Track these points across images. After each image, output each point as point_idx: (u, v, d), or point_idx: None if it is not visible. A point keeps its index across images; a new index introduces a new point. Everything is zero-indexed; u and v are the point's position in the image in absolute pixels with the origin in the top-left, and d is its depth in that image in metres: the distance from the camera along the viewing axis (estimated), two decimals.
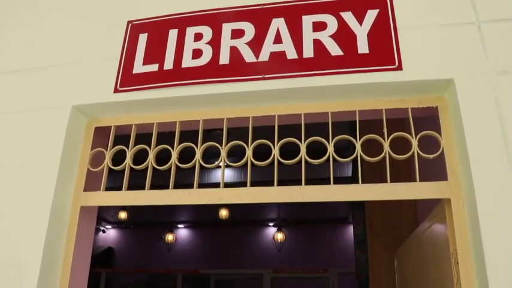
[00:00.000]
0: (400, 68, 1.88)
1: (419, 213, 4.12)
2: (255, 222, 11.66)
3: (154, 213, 10.73)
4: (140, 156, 2.18)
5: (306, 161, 1.97)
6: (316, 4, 2.07)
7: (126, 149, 2.19)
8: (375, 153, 1.93)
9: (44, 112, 2.23)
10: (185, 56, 2.12)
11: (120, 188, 2.12)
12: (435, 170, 1.95)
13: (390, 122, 1.98)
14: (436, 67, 1.86)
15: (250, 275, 11.06)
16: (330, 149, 1.95)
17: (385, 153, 1.91)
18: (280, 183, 1.96)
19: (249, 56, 2.04)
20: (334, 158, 1.96)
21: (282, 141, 2.02)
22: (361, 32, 1.98)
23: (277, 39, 2.04)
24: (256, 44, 2.06)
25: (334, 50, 1.97)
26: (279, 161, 2.00)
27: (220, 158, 2.08)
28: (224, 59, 2.06)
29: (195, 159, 2.08)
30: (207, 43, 2.12)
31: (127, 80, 2.16)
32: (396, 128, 1.97)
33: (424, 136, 1.92)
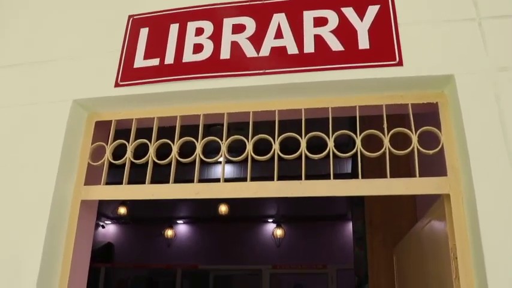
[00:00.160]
0: (400, 63, 1.88)
1: (418, 209, 4.13)
2: (255, 218, 11.67)
3: (153, 208, 10.73)
4: (141, 152, 2.18)
5: (306, 157, 1.98)
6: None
7: (126, 143, 2.19)
8: (375, 149, 1.94)
9: (44, 106, 2.23)
10: (186, 50, 2.12)
11: (120, 184, 2.13)
12: (435, 166, 1.96)
13: (390, 118, 1.99)
14: (437, 63, 1.87)
15: (250, 271, 11.08)
16: (330, 144, 1.96)
17: (385, 149, 1.91)
18: (280, 180, 1.96)
19: (249, 51, 2.04)
20: (334, 154, 1.96)
21: (282, 136, 2.02)
22: (362, 27, 1.98)
23: (278, 34, 2.04)
24: (257, 39, 2.06)
25: (335, 45, 1.97)
26: (279, 156, 2.01)
27: (220, 153, 2.08)
28: (225, 53, 2.07)
29: (195, 153, 2.09)
30: (208, 38, 2.12)
31: (128, 74, 2.16)
32: (396, 124, 1.98)
33: (424, 132, 1.93)
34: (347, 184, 1.90)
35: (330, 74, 1.93)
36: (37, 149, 2.15)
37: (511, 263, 1.56)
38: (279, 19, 2.07)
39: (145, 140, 2.17)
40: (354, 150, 1.95)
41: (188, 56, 2.11)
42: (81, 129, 2.27)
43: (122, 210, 10.93)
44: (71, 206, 2.15)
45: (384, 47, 1.92)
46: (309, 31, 2.02)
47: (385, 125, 1.94)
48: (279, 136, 2.03)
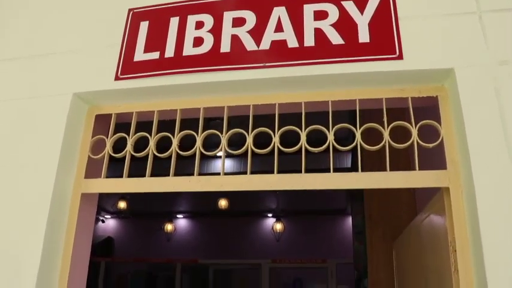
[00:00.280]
0: (400, 57, 1.88)
1: (418, 204, 4.14)
2: (254, 213, 11.69)
3: (153, 203, 10.76)
4: (141, 145, 2.19)
5: (306, 150, 1.98)
6: None
7: (126, 137, 2.19)
8: (375, 143, 1.94)
9: (45, 99, 2.23)
10: (186, 44, 2.12)
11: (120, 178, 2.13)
12: (434, 160, 1.96)
13: (390, 112, 1.99)
14: (437, 57, 1.87)
15: (249, 265, 11.11)
16: (330, 137, 1.96)
17: (385, 142, 1.92)
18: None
19: (250, 44, 2.04)
20: (334, 147, 1.97)
21: (283, 129, 2.03)
22: (362, 21, 1.98)
23: (278, 28, 2.04)
24: (257, 33, 2.06)
25: (335, 39, 1.97)
26: (279, 150, 2.01)
27: (220, 146, 2.08)
28: (225, 47, 2.07)
29: (195, 146, 2.09)
30: (208, 31, 2.12)
31: (128, 67, 2.16)
32: (396, 117, 1.98)
33: (423, 126, 1.93)
34: (347, 177, 1.90)
35: (330, 67, 1.93)
36: (37, 143, 2.15)
37: (509, 255, 1.56)
38: (279, 12, 2.07)
39: (145, 133, 2.17)
40: (354, 144, 1.95)
41: (188, 50, 2.11)
42: (82, 122, 2.27)
43: (122, 204, 10.95)
44: (71, 199, 2.16)
45: (384, 40, 1.92)
46: (309, 24, 2.02)
47: (385, 119, 1.94)
48: (279, 129, 2.03)
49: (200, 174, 2.05)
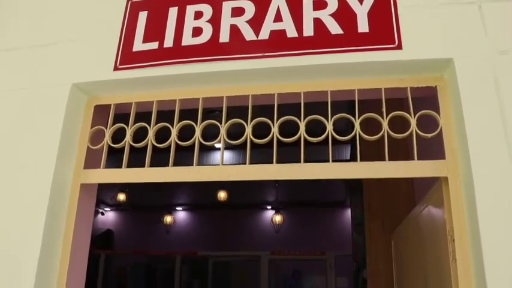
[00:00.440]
0: (399, 47, 1.88)
1: (416, 194, 4.15)
2: (254, 205, 11.72)
3: (152, 195, 10.77)
4: (140, 137, 2.18)
5: (305, 140, 1.98)
6: None
7: (126, 127, 2.19)
8: (374, 134, 1.94)
9: (43, 90, 2.23)
10: (185, 34, 2.12)
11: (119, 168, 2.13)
12: (433, 151, 1.97)
13: (389, 102, 1.99)
14: (436, 46, 1.87)
15: (249, 257, 11.16)
16: (329, 127, 1.96)
17: (384, 132, 1.92)
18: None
19: (249, 34, 2.04)
20: (333, 137, 1.97)
21: (282, 119, 2.02)
22: (362, 11, 1.97)
23: (278, 18, 2.04)
24: (256, 22, 2.05)
25: (334, 28, 1.96)
26: (278, 140, 2.01)
27: (219, 136, 2.08)
28: (224, 37, 2.06)
29: (194, 136, 2.09)
30: (207, 21, 2.12)
31: (127, 57, 2.16)
32: (395, 108, 1.98)
33: (422, 116, 1.93)
34: (345, 167, 1.91)
35: (329, 57, 1.93)
36: (36, 133, 2.15)
37: (507, 244, 1.57)
38: (278, 2, 2.06)
39: (144, 124, 2.17)
40: (353, 133, 1.95)
41: (187, 40, 2.10)
42: (81, 113, 2.27)
43: (121, 196, 10.95)
44: (71, 190, 2.16)
45: (383, 30, 1.91)
46: (308, 14, 2.01)
47: (383, 109, 1.94)
48: (278, 119, 2.03)
49: (199, 165, 2.05)
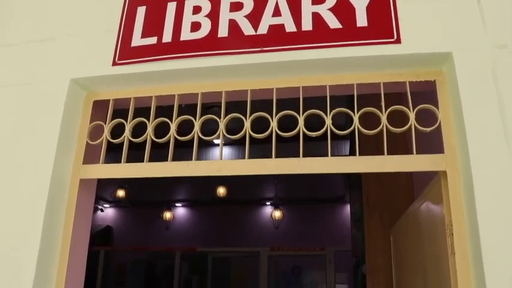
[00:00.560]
0: (398, 41, 1.88)
1: (415, 190, 4.16)
2: (253, 201, 11.72)
3: (152, 192, 10.77)
4: (138, 132, 2.18)
5: (304, 136, 1.98)
6: None
7: (124, 122, 2.19)
8: (373, 129, 1.94)
9: (42, 85, 2.23)
10: (184, 28, 2.11)
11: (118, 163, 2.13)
12: (432, 145, 1.97)
13: (388, 97, 1.99)
14: (435, 40, 1.87)
15: (248, 253, 11.17)
16: (328, 121, 1.96)
17: (383, 126, 1.92)
18: None
19: (247, 29, 2.04)
20: (332, 132, 1.97)
21: (281, 113, 2.02)
22: (360, 5, 1.97)
23: (276, 12, 2.03)
24: (254, 17, 2.05)
25: (333, 23, 1.96)
26: (277, 135, 2.01)
27: (218, 131, 2.08)
28: (223, 31, 2.06)
29: (193, 131, 2.09)
30: (205, 16, 2.11)
31: (125, 53, 2.15)
32: (394, 103, 1.98)
33: (421, 110, 1.93)
34: (344, 161, 1.91)
35: (328, 51, 1.93)
36: (35, 128, 2.15)
37: (505, 238, 1.58)
38: None
39: (143, 119, 2.17)
40: (352, 128, 1.95)
41: (186, 34, 2.10)
42: (79, 108, 2.27)
43: (121, 193, 10.95)
44: (70, 185, 2.16)
45: (382, 24, 1.91)
46: (307, 9, 2.01)
47: (382, 103, 1.94)
48: (276, 114, 2.03)
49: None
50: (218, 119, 2.09)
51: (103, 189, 11.21)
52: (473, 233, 1.66)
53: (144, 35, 2.16)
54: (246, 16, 2.06)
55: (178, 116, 2.15)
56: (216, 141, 8.12)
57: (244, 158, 2.00)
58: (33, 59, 2.30)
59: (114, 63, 2.15)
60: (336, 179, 9.52)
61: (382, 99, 1.96)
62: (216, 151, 8.52)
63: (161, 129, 2.16)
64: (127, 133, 2.16)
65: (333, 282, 10.46)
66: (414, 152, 1.87)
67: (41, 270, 1.97)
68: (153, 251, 11.73)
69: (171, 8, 2.17)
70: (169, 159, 2.07)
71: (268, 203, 11.76)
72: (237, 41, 2.03)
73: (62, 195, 2.12)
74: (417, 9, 1.92)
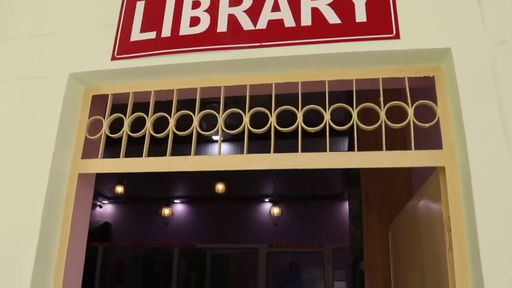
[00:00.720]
0: (397, 36, 1.88)
1: (414, 186, 4.16)
2: (252, 198, 11.73)
3: (150, 188, 10.77)
4: (137, 127, 2.18)
5: (303, 132, 1.98)
6: None
7: (123, 117, 2.19)
8: (371, 125, 1.94)
9: (41, 80, 2.23)
10: (183, 23, 2.11)
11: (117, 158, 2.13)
12: (430, 141, 1.97)
13: (387, 93, 1.99)
14: (434, 36, 1.87)
15: (247, 250, 11.18)
16: (327, 117, 1.96)
17: (381, 122, 1.92)
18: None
19: (246, 24, 2.04)
20: (330, 127, 1.97)
21: (279, 108, 2.02)
22: (359, 0, 1.97)
23: (275, 7, 2.03)
24: (254, 12, 2.05)
25: (332, 18, 1.96)
26: (276, 130, 2.01)
27: (217, 126, 2.08)
28: (222, 26, 2.06)
29: (192, 126, 2.09)
30: (204, 11, 2.11)
31: (124, 47, 2.15)
32: (393, 98, 1.98)
33: (420, 106, 1.93)
34: (343, 157, 1.91)
35: (327, 47, 1.93)
36: (34, 123, 2.15)
37: (503, 233, 1.58)
38: None
39: (142, 114, 2.17)
40: (351, 123, 1.95)
41: (185, 29, 2.10)
42: (78, 103, 2.27)
43: (119, 189, 10.95)
44: (69, 179, 2.16)
45: (381, 20, 1.91)
46: (306, 4, 2.01)
47: (381, 98, 1.95)
48: (275, 109, 2.03)
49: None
50: (217, 114, 2.09)
51: (102, 186, 11.22)
52: (471, 228, 1.66)
53: (143, 29, 2.16)
54: (245, 11, 2.06)
55: (177, 111, 2.15)
56: (215, 138, 8.16)
57: (243, 153, 2.00)
58: (32, 53, 2.30)
59: (113, 58, 2.15)
60: (335, 176, 9.52)
61: (381, 94, 1.96)
62: (215, 148, 8.51)
63: (160, 125, 2.16)
64: (126, 128, 2.16)
65: (331, 279, 10.47)
66: (413, 147, 1.87)
67: (40, 263, 1.98)
68: (152, 247, 11.74)
69: (170, 2, 2.17)
70: (167, 154, 2.07)
71: (267, 200, 11.76)
72: (236, 36, 2.03)
73: (60, 190, 2.12)
74: (416, 5, 1.92)
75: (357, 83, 2.00)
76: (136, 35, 2.16)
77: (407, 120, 1.90)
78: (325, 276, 10.56)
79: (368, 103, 1.97)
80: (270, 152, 1.97)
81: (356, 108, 1.96)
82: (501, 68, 1.77)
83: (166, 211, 11.89)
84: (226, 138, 7.94)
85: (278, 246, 10.96)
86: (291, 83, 2.06)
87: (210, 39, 2.05)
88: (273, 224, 11.23)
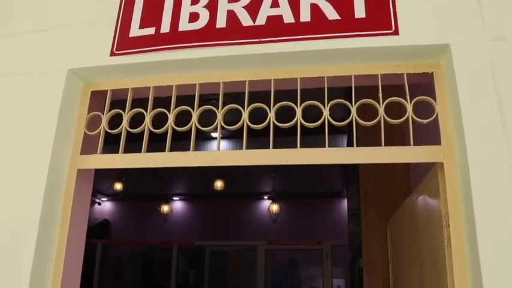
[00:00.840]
0: (396, 32, 1.88)
1: (413, 183, 4.16)
2: (250, 195, 11.73)
3: (149, 185, 10.77)
4: (136, 123, 2.18)
5: (302, 128, 1.98)
6: None
7: (122, 113, 2.19)
8: (370, 121, 1.94)
9: (40, 76, 2.23)
10: (182, 19, 2.11)
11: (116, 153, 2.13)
12: (428, 138, 1.97)
13: (385, 89, 1.99)
14: (433, 32, 1.87)
15: (245, 247, 11.19)
16: (326, 112, 1.96)
17: (380, 118, 1.92)
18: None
19: (245, 20, 2.04)
20: (329, 123, 1.97)
21: (278, 104, 2.03)
22: None
23: (274, 3, 2.03)
24: (253, 8, 2.05)
25: (331, 14, 1.96)
26: (275, 126, 2.01)
27: (216, 121, 2.08)
28: (221, 22, 2.06)
29: (191, 122, 2.09)
30: (203, 7, 2.11)
31: (123, 43, 2.15)
32: (391, 95, 1.98)
33: (418, 102, 1.93)
34: (342, 152, 1.92)
35: (326, 42, 1.93)
36: (33, 119, 2.16)
37: (501, 229, 1.59)
38: None
39: (141, 109, 2.17)
40: (349, 119, 1.95)
41: (184, 25, 2.10)
42: (77, 99, 2.27)
43: (118, 186, 10.95)
44: (68, 175, 2.16)
45: (380, 16, 1.91)
46: (305, 0, 2.00)
47: (380, 94, 1.95)
48: (274, 105, 2.03)
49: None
50: (216, 110, 2.09)
51: (100, 183, 11.21)
52: (469, 224, 1.67)
53: (142, 25, 2.16)
54: (244, 7, 2.06)
55: (176, 107, 2.15)
56: (213, 135, 8.16)
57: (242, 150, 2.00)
58: (31, 49, 2.30)
59: (112, 54, 2.15)
60: (334, 174, 9.52)
61: (380, 90, 1.96)
62: (214, 144, 8.50)
63: (159, 121, 2.16)
64: (125, 123, 2.16)
65: (329, 277, 10.48)
66: (411, 143, 1.87)
67: (40, 258, 1.98)
68: (151, 245, 11.73)
69: None
70: (166, 150, 2.07)
71: (265, 197, 11.76)
72: (235, 32, 2.03)
73: (59, 185, 2.13)
74: (415, 1, 1.92)
75: (356, 79, 2.00)
76: (135, 30, 2.16)
77: (405, 116, 1.91)
78: (324, 274, 10.57)
79: (367, 99, 1.97)
80: (269, 146, 1.97)
81: (355, 104, 1.96)
82: (500, 64, 1.77)
83: (165, 208, 11.89)
84: (225, 136, 7.95)
85: (277, 244, 10.96)
86: (290, 79, 2.06)
87: (209, 35, 2.05)
88: (272, 221, 11.23)
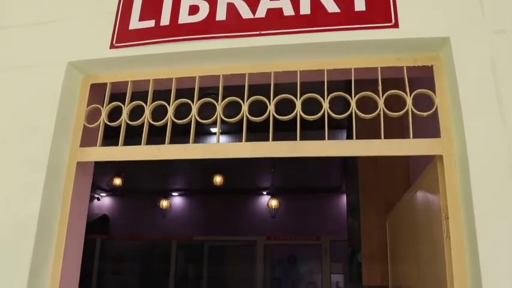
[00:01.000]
0: (396, 25, 1.88)
1: (412, 179, 4.17)
2: (249, 190, 11.74)
3: (149, 180, 10.77)
4: (135, 116, 2.18)
5: (301, 122, 1.98)
6: None
7: (122, 106, 2.19)
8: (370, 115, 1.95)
9: (39, 68, 2.22)
10: (182, 12, 2.11)
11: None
12: (428, 131, 1.97)
13: (385, 82, 1.99)
14: (433, 25, 1.87)
15: (244, 242, 11.20)
16: (325, 105, 1.96)
17: (380, 110, 1.92)
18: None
19: (245, 12, 2.03)
20: (329, 116, 1.97)
21: (278, 97, 2.03)
22: None
23: None
24: (253, 0, 2.04)
25: (331, 7, 1.96)
26: (274, 118, 2.01)
27: (215, 114, 2.08)
28: (221, 15, 2.05)
29: (191, 114, 2.09)
30: None
31: (123, 35, 2.15)
32: (391, 88, 1.98)
33: (418, 97, 1.93)
34: (341, 145, 1.92)
35: (326, 35, 1.93)
36: (32, 111, 2.15)
37: (500, 221, 1.59)
38: None
39: (140, 102, 2.17)
40: (349, 112, 1.95)
41: (184, 18, 2.09)
42: (77, 91, 2.27)
43: (117, 181, 10.94)
44: (67, 168, 2.17)
45: (380, 8, 1.91)
46: None
47: (379, 87, 1.95)
48: (274, 98, 2.03)
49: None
50: (215, 102, 2.09)
51: (100, 178, 11.19)
52: (468, 216, 1.67)
53: (142, 18, 2.16)
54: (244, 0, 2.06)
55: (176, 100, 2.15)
56: (213, 130, 8.14)
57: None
58: (31, 42, 2.29)
59: (112, 46, 2.15)
60: (333, 169, 9.53)
61: (380, 83, 1.96)
62: (213, 139, 8.50)
63: (159, 114, 2.16)
64: (124, 116, 2.16)
65: (328, 272, 10.50)
66: (411, 136, 1.87)
67: (38, 255, 1.99)
68: (150, 240, 11.74)
69: None
70: (166, 142, 2.07)
71: (264, 192, 11.77)
72: (235, 24, 2.03)
73: (59, 178, 2.13)
74: None
75: (356, 72, 2.00)
76: (135, 23, 2.16)
77: (405, 109, 1.91)
78: (323, 269, 10.59)
79: (367, 92, 1.97)
80: (269, 137, 1.97)
81: (354, 97, 1.96)
82: (500, 57, 1.77)
83: (164, 203, 11.89)
84: (225, 131, 7.95)
85: (276, 239, 10.97)
86: (290, 72, 2.06)
87: (209, 27, 2.05)
88: (271, 217, 11.24)
